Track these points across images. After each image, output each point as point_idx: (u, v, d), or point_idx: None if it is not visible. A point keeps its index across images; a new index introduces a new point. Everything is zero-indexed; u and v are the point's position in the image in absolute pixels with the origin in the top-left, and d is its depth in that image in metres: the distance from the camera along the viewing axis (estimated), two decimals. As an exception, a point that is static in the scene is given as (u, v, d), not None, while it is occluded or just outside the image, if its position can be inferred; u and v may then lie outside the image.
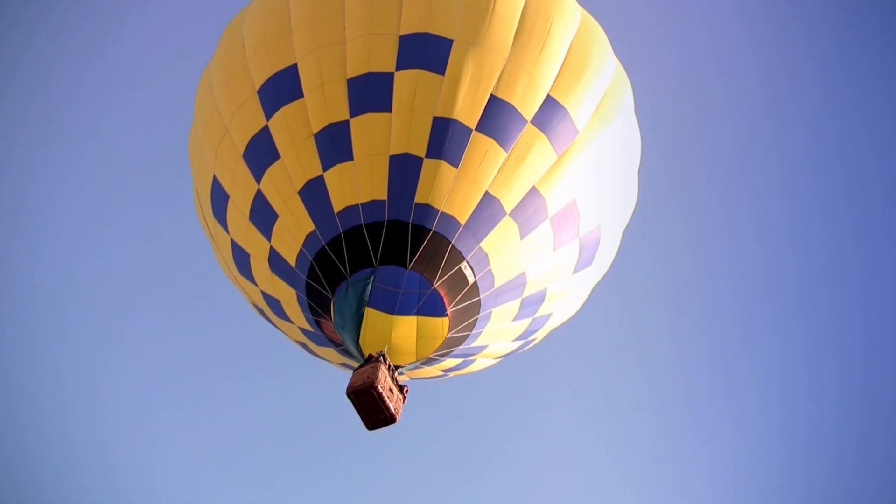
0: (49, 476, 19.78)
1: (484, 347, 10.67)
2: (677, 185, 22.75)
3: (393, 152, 9.51)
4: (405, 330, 9.76)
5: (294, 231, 9.77)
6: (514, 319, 10.42)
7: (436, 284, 9.48)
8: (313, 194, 9.65)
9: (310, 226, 9.67)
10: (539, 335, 11.33)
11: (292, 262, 9.87)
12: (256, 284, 10.63)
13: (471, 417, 23.13)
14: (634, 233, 12.33)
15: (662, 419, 22.18)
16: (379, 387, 9.00)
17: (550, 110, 9.86)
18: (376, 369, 9.12)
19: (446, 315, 9.72)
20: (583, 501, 21.70)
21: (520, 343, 11.15)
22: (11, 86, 21.97)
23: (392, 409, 9.21)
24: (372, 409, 9.15)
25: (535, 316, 10.66)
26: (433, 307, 9.69)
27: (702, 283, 22.82)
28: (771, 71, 22.63)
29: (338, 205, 9.56)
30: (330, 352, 10.84)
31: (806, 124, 22.58)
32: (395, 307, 9.61)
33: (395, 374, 9.45)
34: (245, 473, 21.83)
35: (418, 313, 9.69)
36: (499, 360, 11.63)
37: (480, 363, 11.33)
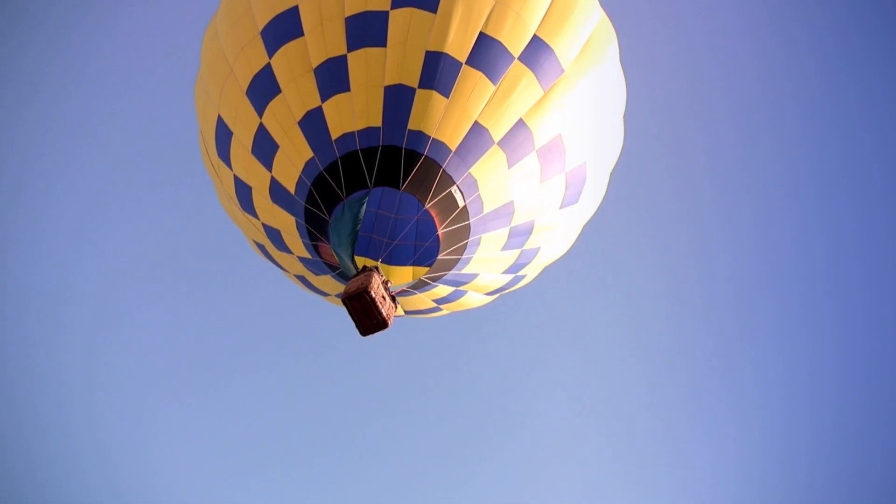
0: (48, 474, 20.05)
1: (475, 276, 11.12)
2: (665, 133, 22.86)
3: (387, 83, 10.10)
4: (400, 279, 10.42)
5: (294, 159, 10.32)
6: (503, 248, 10.89)
7: (427, 206, 10.00)
8: (312, 124, 10.22)
9: (308, 153, 10.23)
10: (529, 271, 11.78)
11: (292, 189, 10.41)
12: (258, 217, 11.14)
13: (468, 408, 23.47)
14: (622, 184, 12.82)
15: (659, 403, 22.44)
16: (372, 292, 9.54)
17: (537, 49, 10.43)
18: (370, 277, 9.69)
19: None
20: (578, 489, 21.93)
21: (510, 277, 11.61)
22: (12, 76, 22.46)
23: (384, 314, 9.74)
24: (365, 313, 9.69)
25: (524, 248, 11.13)
26: (427, 254, 10.26)
27: (699, 260, 23.09)
28: (763, 36, 22.75)
29: (335, 132, 10.14)
30: (327, 280, 11.32)
31: (797, 83, 22.53)
32: (390, 256, 10.20)
33: (388, 286, 9.94)
34: (244, 471, 22.07)
35: (414, 263, 10.33)
36: (491, 297, 12.07)
37: (472, 298, 11.78)
